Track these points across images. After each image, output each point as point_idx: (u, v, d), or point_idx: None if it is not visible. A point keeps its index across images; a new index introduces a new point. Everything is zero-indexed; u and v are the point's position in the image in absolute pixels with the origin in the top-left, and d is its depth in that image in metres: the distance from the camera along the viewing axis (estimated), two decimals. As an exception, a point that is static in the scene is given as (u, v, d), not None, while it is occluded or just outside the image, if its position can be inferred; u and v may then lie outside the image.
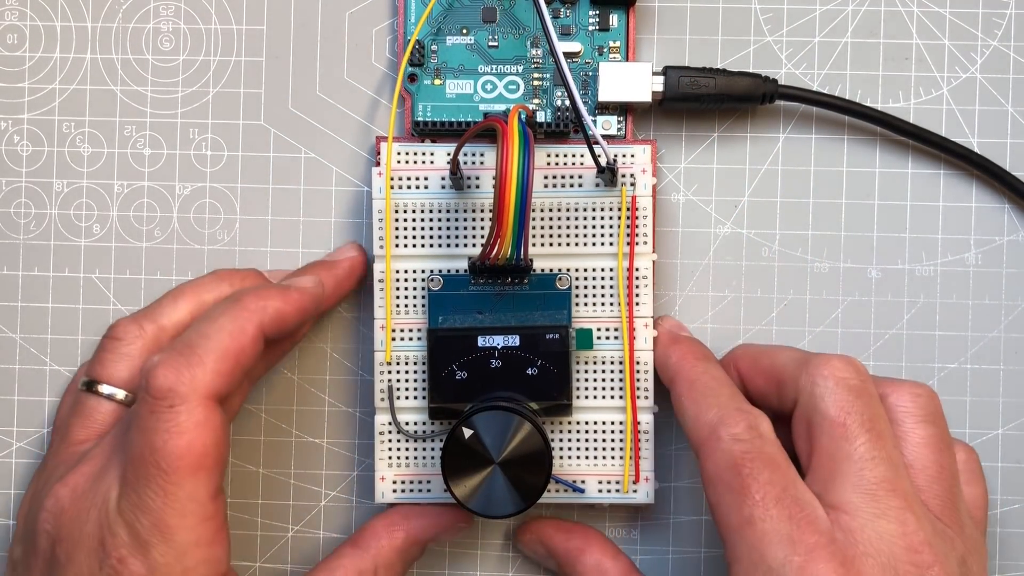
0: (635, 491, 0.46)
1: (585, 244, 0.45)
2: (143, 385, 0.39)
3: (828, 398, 0.40)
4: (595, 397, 0.45)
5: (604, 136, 0.47)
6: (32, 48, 0.49)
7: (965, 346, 0.48)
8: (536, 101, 0.47)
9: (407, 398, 0.46)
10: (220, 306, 0.42)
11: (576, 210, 0.45)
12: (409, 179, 0.45)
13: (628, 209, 0.45)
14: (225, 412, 0.40)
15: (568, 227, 0.45)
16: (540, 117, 0.47)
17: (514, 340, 0.44)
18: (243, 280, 0.46)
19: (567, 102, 0.47)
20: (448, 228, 0.45)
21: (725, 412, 0.40)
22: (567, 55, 0.47)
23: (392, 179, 0.45)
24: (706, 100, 0.46)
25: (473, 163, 0.45)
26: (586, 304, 0.45)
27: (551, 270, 0.45)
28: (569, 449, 0.46)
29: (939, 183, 0.48)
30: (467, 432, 0.41)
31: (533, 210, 0.45)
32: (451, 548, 0.49)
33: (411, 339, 0.46)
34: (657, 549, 0.48)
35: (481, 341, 0.44)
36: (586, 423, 0.46)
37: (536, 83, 0.47)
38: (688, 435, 0.41)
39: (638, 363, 0.45)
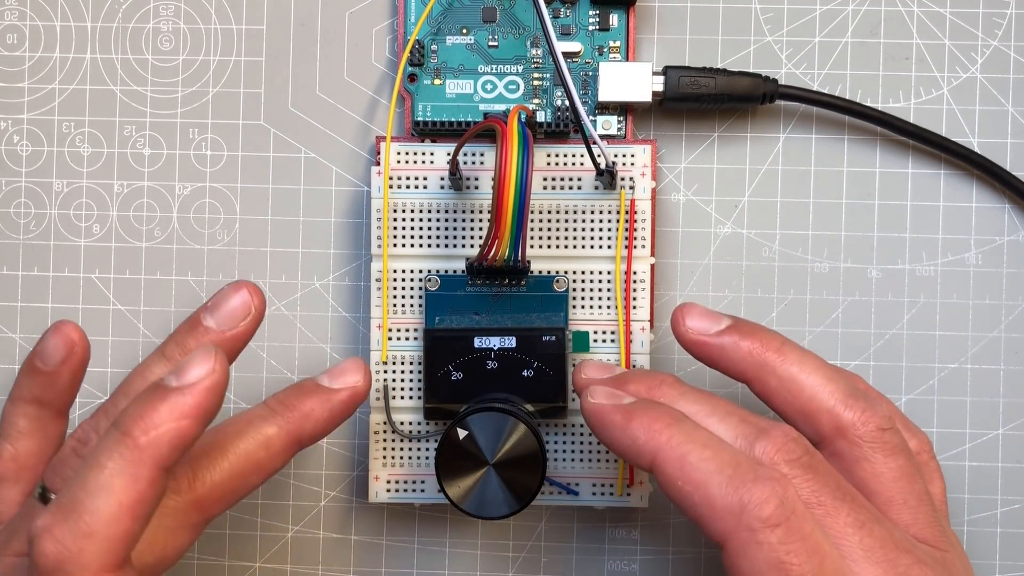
0: (629, 494, 0.46)
1: (583, 247, 0.45)
2: (30, 551, 0.33)
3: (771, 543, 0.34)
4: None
5: (604, 136, 0.47)
6: (32, 48, 0.49)
7: (965, 346, 0.48)
8: (536, 101, 0.47)
9: (403, 398, 0.46)
10: (106, 440, 0.33)
11: (575, 212, 0.45)
12: (408, 179, 0.45)
13: (627, 212, 0.45)
14: (151, 554, 0.36)
15: (566, 229, 0.45)
16: (540, 117, 0.47)
17: (510, 341, 0.44)
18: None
19: (567, 102, 0.47)
20: (446, 228, 0.45)
21: (742, 485, 0.34)
22: (567, 55, 0.47)
23: (391, 179, 0.45)
24: (706, 100, 0.46)
25: (472, 163, 0.45)
26: (583, 307, 0.45)
27: (549, 272, 0.45)
28: (564, 451, 0.46)
29: (939, 183, 0.48)
30: (462, 433, 0.41)
31: (532, 212, 0.45)
32: (451, 548, 0.49)
33: (407, 339, 0.46)
34: (657, 549, 0.48)
35: (477, 342, 0.44)
36: (581, 425, 0.45)
37: (536, 83, 0.47)
38: (702, 526, 0.35)
39: (634, 367, 0.45)
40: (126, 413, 0.34)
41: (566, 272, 0.45)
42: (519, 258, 0.42)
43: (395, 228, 0.45)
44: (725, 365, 0.40)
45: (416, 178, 0.45)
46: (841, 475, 0.37)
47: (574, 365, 0.44)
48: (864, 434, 0.38)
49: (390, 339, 0.46)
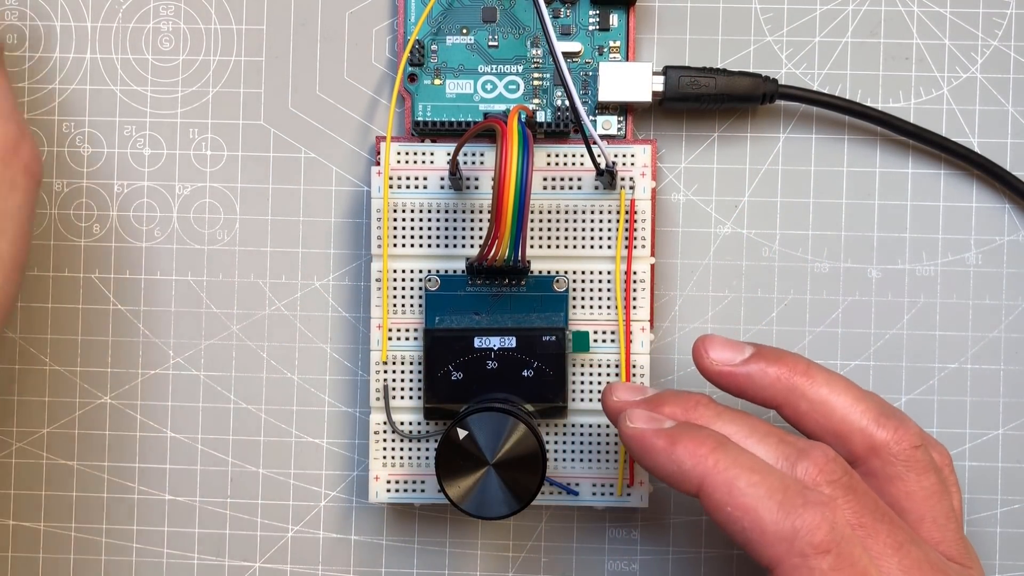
0: (629, 495, 0.46)
1: (583, 247, 0.45)
2: None
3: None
4: (591, 400, 0.45)
5: (604, 136, 0.47)
6: (32, 48, 0.49)
7: (965, 346, 0.48)
8: (536, 101, 0.47)
9: (403, 398, 0.46)
10: None
11: (575, 212, 0.45)
12: (408, 179, 0.45)
13: (627, 212, 0.45)
14: None
15: (566, 229, 0.45)
16: (540, 117, 0.47)
17: (510, 342, 0.44)
18: None
19: (567, 102, 0.47)
20: (446, 228, 0.45)
21: (793, 511, 0.34)
22: (567, 55, 0.47)
23: (391, 179, 0.45)
24: (706, 100, 0.46)
25: (472, 163, 0.45)
26: (583, 307, 0.45)
27: (549, 272, 0.45)
28: (564, 451, 0.46)
29: (939, 183, 0.48)
30: (462, 433, 0.41)
31: (532, 212, 0.45)
32: (451, 548, 0.49)
33: (407, 339, 0.46)
34: (657, 549, 0.48)
35: (477, 342, 0.44)
36: (581, 426, 0.45)
37: (536, 83, 0.47)
38: (751, 550, 0.35)
39: (634, 367, 0.45)
40: None
41: (566, 272, 0.45)
42: (519, 258, 0.42)
43: (395, 228, 0.45)
44: (753, 393, 0.40)
45: (416, 178, 0.45)
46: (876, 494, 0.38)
47: (573, 366, 0.44)
48: (898, 453, 0.38)
49: (390, 339, 0.46)
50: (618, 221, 0.45)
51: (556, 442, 0.46)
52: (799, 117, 0.48)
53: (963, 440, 0.47)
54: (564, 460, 0.46)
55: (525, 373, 0.44)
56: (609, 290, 0.45)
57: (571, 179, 0.45)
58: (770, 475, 0.35)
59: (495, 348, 0.44)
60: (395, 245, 0.45)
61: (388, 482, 0.46)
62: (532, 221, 0.45)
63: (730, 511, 0.35)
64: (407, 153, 0.46)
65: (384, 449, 0.46)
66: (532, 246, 0.45)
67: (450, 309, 0.45)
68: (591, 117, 0.47)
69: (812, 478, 0.36)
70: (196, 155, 0.49)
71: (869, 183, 0.48)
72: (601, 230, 0.45)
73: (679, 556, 0.48)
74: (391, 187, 0.45)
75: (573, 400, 0.45)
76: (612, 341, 0.45)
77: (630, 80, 0.46)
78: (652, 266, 0.45)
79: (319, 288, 0.49)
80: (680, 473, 0.36)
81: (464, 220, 0.45)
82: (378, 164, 0.46)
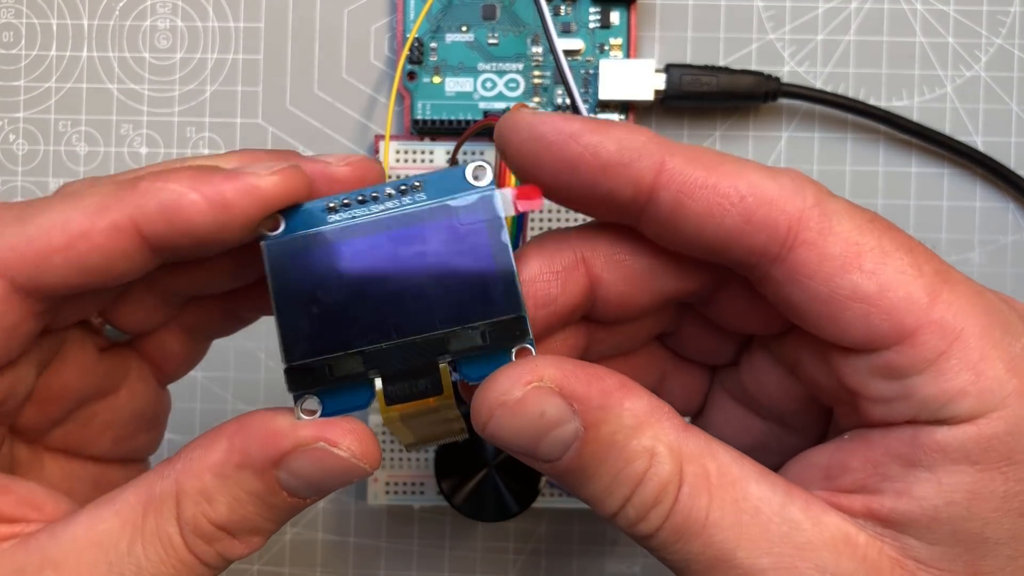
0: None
1: (584, 245, 0.45)
2: None
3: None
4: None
5: (605, 135, 0.46)
6: (28, 46, 0.49)
7: (969, 347, 0.47)
8: (537, 99, 0.47)
9: (404, 400, 0.45)
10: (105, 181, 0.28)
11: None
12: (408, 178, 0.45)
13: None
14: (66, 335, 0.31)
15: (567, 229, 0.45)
16: (540, 115, 0.47)
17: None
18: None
19: (568, 100, 0.47)
20: (446, 228, 0.45)
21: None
22: (568, 53, 0.47)
23: (390, 178, 0.45)
24: (708, 98, 0.46)
25: (472, 164, 0.45)
26: (584, 306, 0.45)
27: (550, 271, 0.45)
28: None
29: (943, 182, 0.47)
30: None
31: (532, 211, 0.45)
32: (451, 551, 0.48)
33: (408, 340, 0.45)
34: (658, 551, 0.48)
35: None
36: (584, 426, 0.45)
37: (537, 81, 0.47)
38: (742, 234, 0.27)
39: (636, 367, 0.45)
40: (155, 171, 0.28)
41: (567, 272, 0.45)
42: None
43: (394, 227, 0.45)
44: (607, 187, 0.29)
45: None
46: None
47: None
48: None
49: (389, 339, 0.45)
50: (619, 220, 0.45)
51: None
52: (801, 116, 0.48)
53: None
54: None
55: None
56: (610, 290, 0.45)
57: (572, 178, 0.45)
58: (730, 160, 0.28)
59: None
60: (394, 245, 0.45)
61: (387, 484, 0.46)
62: (533, 220, 0.45)
63: (703, 184, 0.27)
64: (406, 152, 0.45)
65: (383, 451, 0.46)
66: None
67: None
68: (592, 115, 0.47)
69: None
70: (194, 154, 0.48)
71: (872, 182, 0.47)
72: (602, 229, 0.45)
73: (680, 558, 0.48)
74: (390, 186, 0.45)
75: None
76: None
77: (631, 78, 0.46)
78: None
79: (318, 288, 0.48)
80: (624, 175, 0.27)
81: (464, 219, 0.45)
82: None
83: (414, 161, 0.45)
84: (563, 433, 0.27)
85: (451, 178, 0.28)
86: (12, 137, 0.49)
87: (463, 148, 0.45)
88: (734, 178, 0.27)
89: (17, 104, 0.49)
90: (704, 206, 0.27)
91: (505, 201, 0.28)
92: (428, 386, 0.28)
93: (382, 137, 0.45)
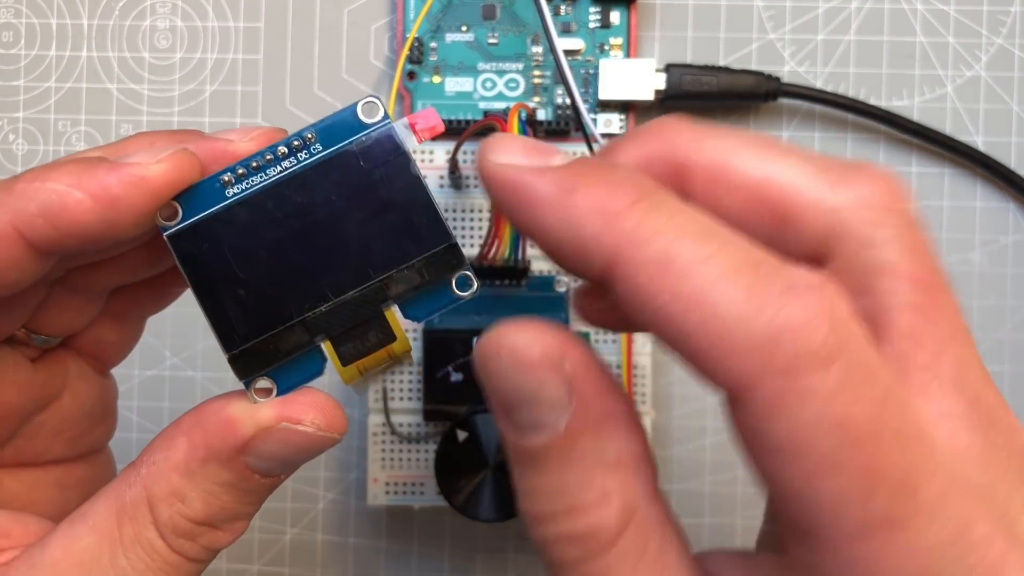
0: (633, 495, 0.45)
1: (584, 245, 0.45)
2: None
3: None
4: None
5: (606, 135, 0.46)
6: (28, 46, 0.49)
7: (970, 347, 0.47)
8: (537, 99, 0.47)
9: (402, 399, 0.45)
10: None
11: (575, 210, 0.45)
12: (407, 178, 0.45)
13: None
14: None
15: (567, 227, 0.45)
16: (541, 115, 0.47)
17: (511, 342, 0.44)
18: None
19: (568, 100, 0.46)
20: (446, 228, 0.45)
21: (769, 297, 0.21)
22: (568, 52, 0.46)
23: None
24: (708, 98, 0.46)
25: (472, 162, 0.45)
26: (584, 306, 0.45)
27: (549, 272, 0.45)
28: (565, 454, 0.45)
29: (943, 182, 0.47)
30: (462, 435, 0.41)
31: (532, 210, 0.45)
32: (450, 551, 0.48)
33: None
34: (658, 551, 0.48)
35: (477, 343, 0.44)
36: (584, 426, 0.45)
37: (537, 81, 0.47)
38: (708, 372, 0.21)
39: (635, 368, 0.45)
40: (36, 171, 0.26)
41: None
42: (519, 258, 0.42)
43: (394, 227, 0.45)
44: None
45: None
46: None
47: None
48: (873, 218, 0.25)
49: (389, 340, 0.45)
50: (619, 220, 0.45)
51: (557, 443, 0.45)
52: (802, 116, 0.48)
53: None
54: (565, 462, 0.45)
55: (525, 374, 0.44)
56: (610, 290, 0.45)
57: (572, 178, 0.45)
58: (730, 244, 0.22)
59: (495, 349, 0.44)
60: (394, 245, 0.45)
61: (387, 484, 0.46)
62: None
63: (666, 304, 0.21)
64: (406, 152, 0.45)
65: (383, 451, 0.46)
66: (532, 246, 0.45)
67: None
68: (592, 115, 0.47)
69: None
70: (193, 154, 0.48)
71: (872, 182, 0.47)
72: (602, 229, 0.45)
73: (681, 558, 0.48)
74: (390, 186, 0.45)
75: (574, 401, 0.45)
76: (613, 342, 0.45)
77: (631, 78, 0.46)
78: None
79: (317, 288, 0.48)
80: (578, 242, 0.23)
81: (464, 219, 0.45)
82: (377, 163, 0.45)
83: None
84: (544, 417, 0.24)
85: (343, 122, 0.27)
86: (12, 137, 0.49)
87: (463, 148, 0.45)
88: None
89: (17, 104, 0.49)
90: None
91: (405, 132, 0.27)
92: (380, 336, 0.27)
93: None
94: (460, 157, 0.45)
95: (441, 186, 0.45)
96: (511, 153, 0.24)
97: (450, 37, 0.47)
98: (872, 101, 0.47)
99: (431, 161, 0.45)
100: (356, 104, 0.27)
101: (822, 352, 0.20)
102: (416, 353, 0.45)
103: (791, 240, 0.24)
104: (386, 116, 0.27)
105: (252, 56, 0.48)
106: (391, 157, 0.27)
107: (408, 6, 0.47)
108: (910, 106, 0.47)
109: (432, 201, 0.27)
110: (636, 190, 0.22)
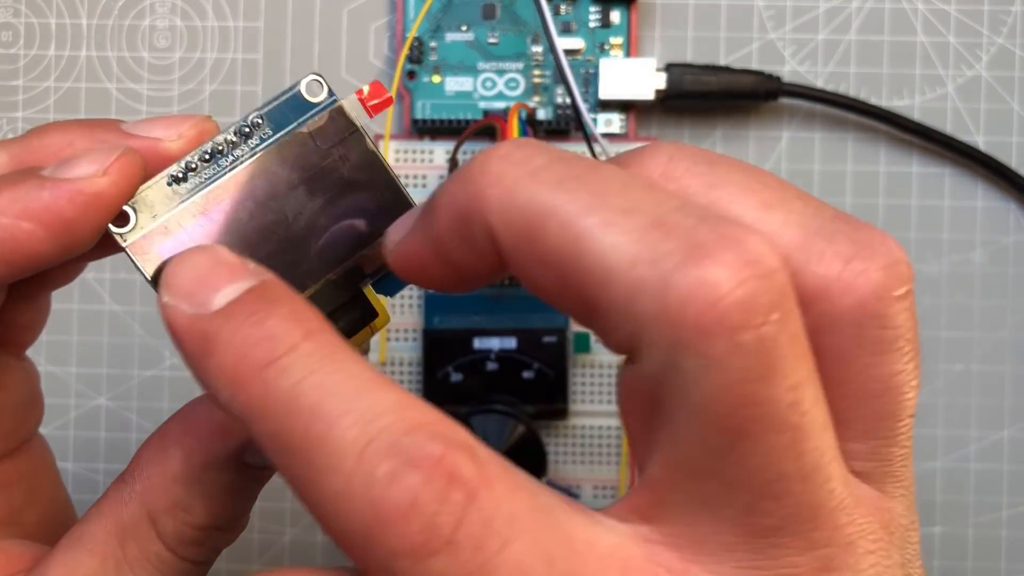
0: (633, 495, 0.45)
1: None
2: None
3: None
4: (592, 402, 0.45)
5: (606, 134, 0.46)
6: (27, 46, 0.49)
7: (971, 347, 0.47)
8: (537, 98, 0.47)
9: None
10: None
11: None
12: (407, 177, 0.45)
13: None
14: None
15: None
16: (541, 115, 0.47)
17: (511, 342, 0.44)
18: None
19: (568, 100, 0.46)
20: (446, 228, 0.45)
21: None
22: (568, 52, 0.46)
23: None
24: (709, 97, 0.46)
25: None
26: (584, 306, 0.45)
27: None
28: (565, 454, 0.45)
29: (944, 182, 0.47)
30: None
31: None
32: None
33: (406, 340, 0.45)
34: (658, 552, 0.48)
35: (477, 343, 0.44)
36: (582, 428, 0.45)
37: (537, 80, 0.47)
38: None
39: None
40: None
41: (567, 272, 0.45)
42: (519, 258, 0.42)
43: (394, 227, 0.45)
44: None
45: (415, 177, 0.45)
46: None
47: (574, 368, 0.44)
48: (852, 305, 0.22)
49: (389, 340, 0.45)
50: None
51: (557, 444, 0.45)
52: (802, 115, 0.47)
53: (968, 442, 0.47)
54: (565, 462, 0.45)
55: (525, 374, 0.44)
56: (610, 290, 0.45)
57: (572, 178, 0.45)
58: (405, 404, 0.20)
59: (495, 349, 0.44)
60: (394, 245, 0.45)
61: (387, 484, 0.46)
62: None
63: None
64: (406, 151, 0.45)
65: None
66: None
67: (449, 309, 0.45)
68: (592, 115, 0.47)
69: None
70: (193, 154, 0.48)
71: (873, 182, 0.47)
72: (602, 229, 0.45)
73: (681, 559, 0.48)
74: (390, 186, 0.45)
75: (574, 402, 0.45)
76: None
77: (632, 77, 0.46)
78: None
79: (317, 288, 0.48)
80: (220, 401, 0.21)
81: (464, 219, 0.45)
82: (377, 163, 0.45)
83: (414, 161, 0.45)
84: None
85: (290, 104, 0.26)
86: (11, 137, 0.48)
87: (463, 148, 0.45)
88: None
89: (16, 104, 0.48)
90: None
91: (355, 108, 0.26)
92: (363, 314, 0.26)
93: (382, 137, 0.45)
94: (460, 157, 0.45)
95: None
96: (175, 291, 0.22)
97: (450, 37, 0.47)
98: (873, 101, 0.47)
99: (431, 161, 0.45)
100: (299, 84, 0.26)
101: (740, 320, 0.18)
102: (416, 353, 0.45)
103: (608, 332, 0.20)
104: (332, 93, 0.26)
105: (251, 56, 0.48)
106: (345, 134, 0.26)
107: (408, 6, 0.47)
108: (911, 106, 0.47)
109: (390, 174, 0.26)
110: (273, 347, 0.20)
